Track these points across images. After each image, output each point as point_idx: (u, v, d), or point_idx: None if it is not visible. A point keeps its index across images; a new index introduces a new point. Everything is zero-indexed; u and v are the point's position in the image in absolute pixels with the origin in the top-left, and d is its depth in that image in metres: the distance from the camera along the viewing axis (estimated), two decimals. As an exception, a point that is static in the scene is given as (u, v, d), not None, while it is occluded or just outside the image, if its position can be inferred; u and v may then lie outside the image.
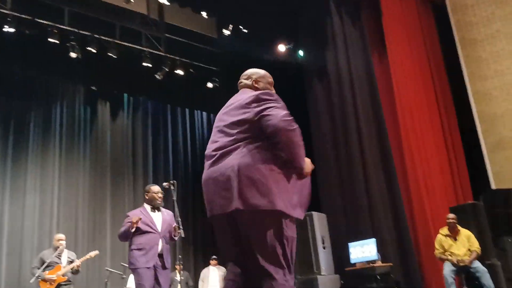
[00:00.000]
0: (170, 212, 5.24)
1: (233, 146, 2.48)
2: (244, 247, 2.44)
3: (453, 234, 6.48)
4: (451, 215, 6.58)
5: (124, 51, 10.15)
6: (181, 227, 4.71)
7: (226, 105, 2.77)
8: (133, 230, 4.76)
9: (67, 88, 10.78)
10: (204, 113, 13.43)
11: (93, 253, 6.88)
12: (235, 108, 2.63)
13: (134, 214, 4.96)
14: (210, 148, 2.64)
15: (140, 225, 4.83)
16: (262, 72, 2.91)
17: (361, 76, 8.33)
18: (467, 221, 6.78)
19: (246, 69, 3.02)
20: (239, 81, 2.91)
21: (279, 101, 2.56)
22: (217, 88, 11.77)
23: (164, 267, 4.87)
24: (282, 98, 2.63)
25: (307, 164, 2.48)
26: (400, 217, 7.67)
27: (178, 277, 9.53)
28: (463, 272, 6.30)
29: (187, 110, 12.99)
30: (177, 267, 9.69)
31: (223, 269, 10.33)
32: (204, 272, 10.27)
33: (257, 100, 2.54)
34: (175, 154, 12.32)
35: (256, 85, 2.82)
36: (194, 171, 12.53)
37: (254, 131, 2.47)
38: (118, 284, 8.23)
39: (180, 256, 4.82)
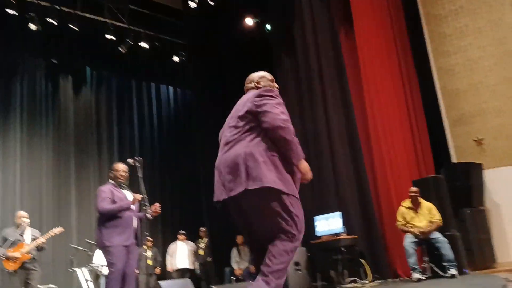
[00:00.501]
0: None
1: (241, 136, 2.81)
2: (253, 227, 2.82)
3: (415, 207, 6.67)
4: (414, 188, 6.77)
5: (86, 23, 9.85)
6: (147, 204, 4.65)
7: (235, 105, 3.09)
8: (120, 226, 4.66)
9: (27, 62, 10.40)
10: (171, 88, 13.24)
11: (57, 230, 6.76)
12: (242, 104, 2.96)
13: (107, 189, 4.83)
14: (222, 141, 2.95)
15: (116, 200, 4.75)
16: (261, 73, 3.22)
17: (327, 51, 8.35)
18: (429, 193, 7.00)
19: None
20: (245, 87, 3.21)
21: (278, 97, 2.86)
22: (184, 62, 11.60)
23: (137, 244, 4.81)
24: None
25: (305, 168, 2.77)
26: (364, 191, 7.85)
27: (147, 253, 9.54)
28: (424, 243, 6.53)
29: (153, 84, 12.77)
30: (147, 243, 9.69)
31: (191, 243, 10.40)
32: (172, 247, 10.30)
33: (259, 95, 2.85)
34: (141, 130, 12.15)
35: (258, 86, 3.11)
36: (161, 147, 12.42)
37: (257, 121, 2.80)
38: (84, 261, 8.16)
39: (146, 233, 4.73)
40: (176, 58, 11.50)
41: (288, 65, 8.74)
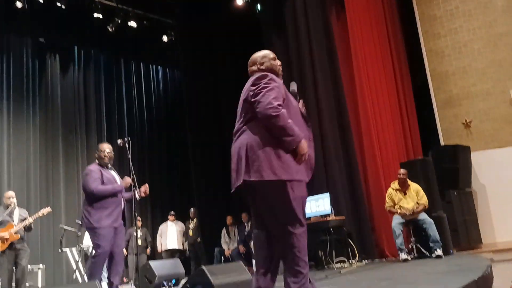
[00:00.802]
0: None
1: (244, 126, 2.88)
2: (259, 214, 2.88)
3: (403, 189, 6.75)
4: (402, 171, 6.83)
5: (73, 1, 9.66)
6: (136, 185, 4.63)
7: (242, 90, 3.07)
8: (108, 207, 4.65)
9: (14, 40, 10.20)
10: (160, 68, 13.11)
11: (45, 210, 6.72)
12: (243, 91, 2.99)
13: (95, 168, 4.79)
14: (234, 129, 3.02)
15: (104, 180, 4.72)
16: (262, 53, 3.20)
17: (318, 32, 8.30)
18: (417, 175, 7.07)
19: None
20: (248, 69, 3.18)
21: (271, 82, 2.86)
22: (173, 42, 11.46)
23: (124, 225, 4.81)
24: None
25: (301, 147, 2.74)
26: (353, 173, 7.90)
27: (136, 233, 9.55)
28: (411, 224, 6.62)
29: (142, 64, 12.63)
30: (137, 223, 9.70)
31: (180, 224, 10.45)
32: (162, 228, 10.35)
33: (253, 84, 2.89)
34: (130, 110, 12.05)
35: (262, 67, 3.10)
36: (150, 127, 12.35)
37: (254, 110, 2.83)
38: (73, 241, 8.17)
39: (135, 214, 4.72)
40: (165, 38, 11.36)
41: (278, 46, 8.67)
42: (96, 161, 4.94)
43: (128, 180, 4.71)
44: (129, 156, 4.78)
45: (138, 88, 12.40)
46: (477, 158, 8.46)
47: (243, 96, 2.97)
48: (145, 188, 4.90)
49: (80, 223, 7.71)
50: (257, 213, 2.93)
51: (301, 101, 3.17)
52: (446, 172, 7.96)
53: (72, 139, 10.65)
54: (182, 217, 10.63)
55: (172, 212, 10.45)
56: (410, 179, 6.82)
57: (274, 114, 2.72)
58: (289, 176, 2.73)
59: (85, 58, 11.34)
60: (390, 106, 8.53)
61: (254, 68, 3.14)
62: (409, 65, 9.41)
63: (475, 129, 8.58)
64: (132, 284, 7.11)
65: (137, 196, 4.87)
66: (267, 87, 2.83)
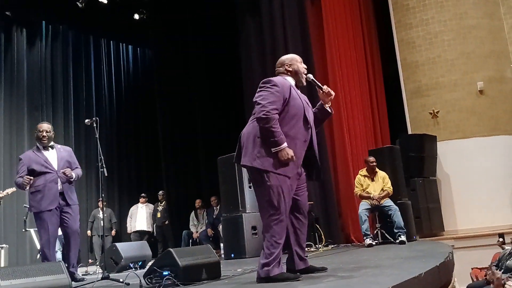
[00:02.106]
0: (68, 148, 5.13)
1: (251, 119, 3.22)
2: None
3: (371, 176, 6.87)
4: (371, 158, 6.94)
5: (41, -27, 9.32)
6: (104, 165, 4.55)
7: None
8: (28, 188, 4.65)
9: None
10: (130, 47, 12.85)
11: (9, 190, 6.56)
12: None
13: (26, 156, 4.82)
14: None
15: (34, 166, 4.71)
16: (290, 56, 3.50)
17: (293, 18, 8.26)
18: (384, 163, 7.19)
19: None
20: (275, 70, 3.46)
21: (273, 87, 3.14)
22: (144, 21, 11.23)
23: (67, 204, 4.77)
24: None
25: (282, 153, 3.01)
26: (322, 159, 7.96)
27: (100, 214, 9.44)
28: (377, 210, 6.76)
29: (112, 42, 12.35)
30: (100, 204, 9.58)
31: (151, 206, 10.40)
32: (133, 209, 10.30)
33: (259, 86, 3.23)
34: (98, 90, 11.80)
35: (289, 69, 3.38)
36: (119, 107, 12.14)
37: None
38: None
39: (103, 195, 4.66)
40: (136, 16, 11.12)
41: (252, 30, 8.60)
42: (37, 143, 4.92)
43: (27, 179, 4.62)
44: (97, 135, 4.66)
45: (108, 66, 12.14)
46: (442, 147, 8.66)
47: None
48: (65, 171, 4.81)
49: (27, 207, 7.59)
50: None
51: (325, 86, 3.39)
52: (413, 160, 8.13)
53: (38, 116, 10.36)
54: (150, 200, 10.56)
55: (143, 195, 10.41)
56: (378, 167, 6.94)
57: (263, 116, 3.03)
58: (265, 167, 3.03)
59: (53, 34, 11.00)
60: (361, 94, 8.62)
61: (282, 69, 3.40)
62: (381, 54, 9.51)
63: (442, 119, 8.77)
64: (98, 266, 7.03)
65: (70, 179, 4.81)
66: (269, 91, 3.13)
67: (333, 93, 3.39)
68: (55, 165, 4.80)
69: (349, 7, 8.86)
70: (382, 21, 9.57)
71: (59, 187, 4.73)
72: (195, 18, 10.65)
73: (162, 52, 11.12)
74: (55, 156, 4.86)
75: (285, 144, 3.03)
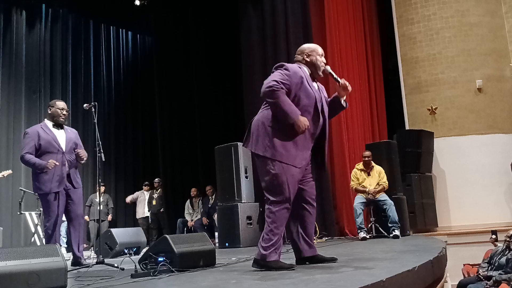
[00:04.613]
0: (74, 130, 4.87)
1: (263, 106, 3.24)
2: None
3: (367, 170, 6.88)
4: (367, 153, 6.95)
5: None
6: (101, 150, 4.50)
7: None
8: (45, 171, 4.41)
9: (-24, -7, 9.72)
10: (130, 33, 12.77)
11: (6, 172, 6.54)
12: None
13: (33, 131, 4.54)
14: None
15: (42, 143, 4.47)
16: (312, 46, 3.44)
17: (295, 8, 8.23)
18: (380, 157, 7.21)
19: None
20: (294, 57, 3.43)
21: (284, 71, 3.13)
22: (145, 7, 11.17)
23: (74, 187, 4.60)
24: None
25: (299, 121, 3.00)
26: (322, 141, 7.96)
27: (97, 199, 9.44)
28: (372, 204, 6.79)
29: (112, 28, 12.27)
30: (102, 189, 9.59)
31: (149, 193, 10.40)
32: (140, 196, 10.39)
33: (272, 71, 3.22)
34: (97, 75, 11.74)
35: (307, 59, 3.34)
36: (117, 93, 12.09)
37: None
38: (32, 204, 8.00)
39: (100, 180, 4.59)
40: (137, 2, 11.06)
41: (254, 19, 8.57)
42: (45, 120, 4.70)
43: (51, 163, 4.49)
44: (95, 121, 4.61)
45: (107, 52, 12.07)
46: (439, 144, 8.69)
47: None
48: (80, 154, 4.69)
49: (23, 190, 7.52)
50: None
51: (342, 79, 3.34)
52: (409, 156, 8.16)
53: (36, 99, 10.33)
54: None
55: (146, 183, 10.43)
56: (374, 161, 6.96)
57: (267, 89, 3.02)
58: (276, 157, 3.04)
59: (53, 17, 10.92)
60: (360, 87, 8.62)
61: (300, 57, 3.37)
62: (382, 49, 9.50)
63: (440, 116, 8.79)
64: (93, 251, 7.05)
65: (81, 161, 4.71)
66: (279, 73, 3.11)
67: (350, 87, 3.32)
68: (63, 145, 4.59)
69: (352, 1, 8.84)
70: (383, 16, 9.55)
71: (66, 169, 4.54)
72: (196, 6, 10.59)
73: (162, 40, 11.07)
74: (64, 136, 4.64)
75: (298, 113, 3.03)
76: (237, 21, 8.93)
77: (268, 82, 3.06)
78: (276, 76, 3.10)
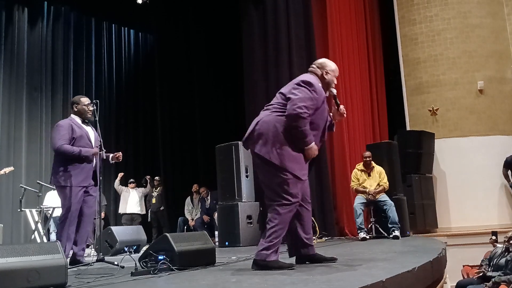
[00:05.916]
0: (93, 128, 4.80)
1: (273, 109, 3.23)
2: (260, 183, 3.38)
3: (368, 170, 6.89)
4: (367, 153, 6.96)
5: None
6: (103, 148, 4.50)
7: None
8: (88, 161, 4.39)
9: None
10: (132, 31, 12.77)
11: (7, 169, 6.56)
12: (289, 84, 3.34)
13: (67, 124, 4.47)
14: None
15: (76, 137, 4.41)
16: (333, 66, 3.45)
17: (297, 7, 8.22)
18: (381, 158, 7.21)
19: None
20: (311, 66, 3.45)
21: (313, 93, 3.17)
22: (147, 5, 11.16)
23: (96, 184, 4.54)
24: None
25: (311, 150, 3.17)
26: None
27: (100, 197, 9.44)
28: (372, 204, 6.79)
29: (114, 26, 12.27)
30: (100, 186, 9.56)
31: (141, 189, 10.33)
32: (123, 192, 10.28)
33: (299, 84, 3.22)
34: (98, 73, 11.73)
35: (325, 76, 3.37)
36: (119, 92, 12.09)
37: (285, 104, 3.18)
38: (33, 202, 7.99)
39: (101, 178, 4.56)
40: (139, 0, 11.05)
41: (255, 19, 8.55)
42: (72, 116, 4.63)
43: (95, 150, 4.47)
44: (97, 118, 4.60)
45: (108, 50, 12.07)
46: (440, 145, 8.69)
47: (284, 88, 3.29)
48: (119, 155, 4.70)
49: (40, 183, 7.53)
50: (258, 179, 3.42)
51: (342, 106, 3.47)
52: (410, 157, 8.16)
53: (37, 97, 10.33)
54: (140, 185, 10.46)
55: (132, 180, 10.26)
56: (375, 161, 6.96)
57: (296, 115, 3.06)
58: (282, 165, 3.09)
59: (54, 15, 10.91)
60: (361, 87, 8.62)
61: (319, 72, 3.38)
62: (383, 50, 9.50)
63: (440, 117, 8.78)
64: (93, 249, 7.05)
65: (111, 160, 4.69)
66: (307, 93, 3.15)
67: (345, 115, 3.48)
68: (93, 141, 4.57)
69: (354, 1, 8.84)
70: (385, 16, 9.55)
71: (93, 165, 4.49)
72: (197, 5, 10.59)
73: (163, 38, 11.07)
74: (92, 133, 4.62)
75: (313, 140, 3.17)
76: (238, 20, 8.93)
77: (297, 104, 3.09)
78: (306, 100, 3.13)
